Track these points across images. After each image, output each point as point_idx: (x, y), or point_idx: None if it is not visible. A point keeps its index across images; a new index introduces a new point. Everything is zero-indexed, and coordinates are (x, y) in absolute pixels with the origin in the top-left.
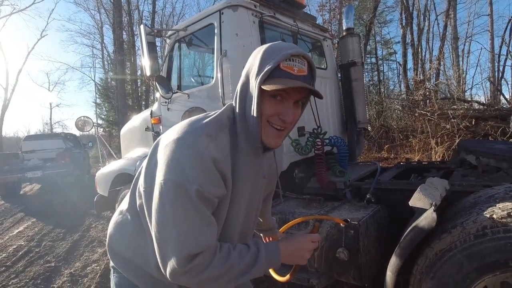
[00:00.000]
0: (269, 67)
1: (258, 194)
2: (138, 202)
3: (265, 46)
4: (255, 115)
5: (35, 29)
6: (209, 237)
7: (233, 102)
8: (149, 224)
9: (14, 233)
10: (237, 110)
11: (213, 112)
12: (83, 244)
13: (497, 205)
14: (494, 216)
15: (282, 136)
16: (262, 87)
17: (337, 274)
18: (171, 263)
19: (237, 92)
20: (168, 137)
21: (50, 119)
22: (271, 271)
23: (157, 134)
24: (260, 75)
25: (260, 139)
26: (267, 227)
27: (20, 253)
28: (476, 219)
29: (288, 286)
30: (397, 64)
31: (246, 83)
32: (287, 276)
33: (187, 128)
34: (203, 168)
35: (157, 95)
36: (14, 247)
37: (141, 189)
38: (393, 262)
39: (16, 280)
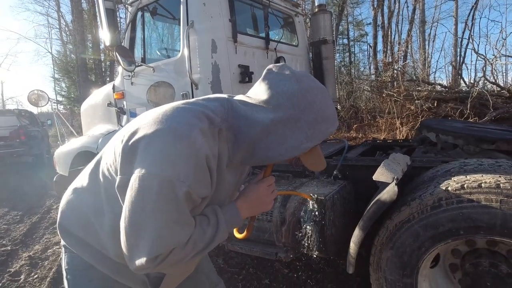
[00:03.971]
0: (315, 143)
1: (238, 185)
2: (103, 184)
3: (318, 99)
4: (277, 159)
5: None
6: (183, 237)
7: (241, 104)
8: (122, 215)
9: None
10: (254, 132)
11: (201, 100)
12: (43, 226)
13: (452, 178)
14: (449, 188)
15: None
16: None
17: (304, 248)
18: (139, 260)
19: (268, 122)
20: (155, 124)
21: (2, 94)
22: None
23: (120, 110)
24: (314, 142)
25: None
26: None
27: None
28: (433, 192)
29: (257, 260)
30: (368, 46)
31: (286, 125)
32: (245, 232)
33: (178, 118)
34: (196, 166)
35: (119, 68)
36: None
37: (112, 172)
38: (356, 234)
39: None
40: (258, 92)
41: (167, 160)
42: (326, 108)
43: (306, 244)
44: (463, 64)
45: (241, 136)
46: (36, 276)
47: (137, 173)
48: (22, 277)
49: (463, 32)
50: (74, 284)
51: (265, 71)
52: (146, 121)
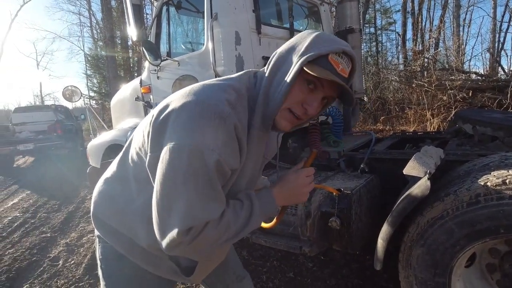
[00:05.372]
0: (318, 52)
1: (257, 172)
2: (132, 170)
3: (318, 32)
4: (282, 91)
5: None
6: (215, 212)
7: (264, 72)
8: (154, 190)
9: (9, 204)
10: (263, 82)
11: (227, 78)
12: (78, 215)
13: (492, 173)
14: (489, 183)
15: (295, 124)
16: (304, 67)
17: (329, 242)
18: (171, 234)
19: (270, 63)
20: (182, 98)
21: (40, 91)
22: None
23: (147, 104)
24: (306, 55)
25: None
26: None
27: (16, 224)
28: (470, 187)
29: (282, 253)
30: (396, 34)
31: (285, 57)
32: (274, 221)
33: (205, 92)
34: (225, 135)
35: (146, 63)
36: (9, 218)
37: (142, 155)
38: (385, 230)
39: (12, 250)
40: None
41: (196, 130)
42: (333, 37)
43: (331, 238)
44: (502, 51)
45: (259, 95)
46: (73, 262)
47: (167, 146)
48: (61, 262)
49: (503, 15)
50: (107, 273)
51: None
52: (174, 98)
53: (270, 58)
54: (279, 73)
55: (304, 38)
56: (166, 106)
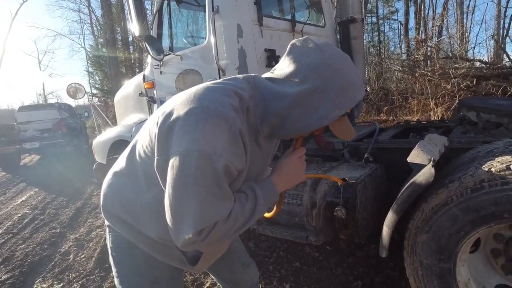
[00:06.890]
0: (344, 111)
1: (266, 167)
2: (140, 166)
3: (342, 67)
4: (301, 131)
5: None
6: (225, 211)
7: (271, 83)
8: (165, 192)
9: (18, 202)
10: (281, 104)
11: (229, 80)
12: (86, 211)
13: (496, 159)
14: (493, 169)
15: None
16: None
17: (335, 232)
18: (186, 235)
19: (296, 95)
20: (188, 104)
21: (43, 90)
22: None
23: (151, 99)
24: (335, 115)
25: None
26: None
27: (26, 220)
28: (474, 173)
29: (288, 243)
30: (399, 23)
31: (308, 98)
32: (274, 209)
33: (209, 97)
34: (231, 140)
35: (149, 58)
36: (19, 215)
37: (148, 153)
38: (390, 217)
39: (23, 245)
40: (283, 67)
41: (203, 136)
42: (351, 75)
43: (337, 227)
44: (507, 37)
45: (268, 110)
46: (83, 256)
47: (176, 152)
48: (71, 256)
49: (508, 1)
50: (118, 261)
51: (289, 46)
52: (179, 102)
53: (285, 74)
54: (298, 110)
55: (330, 80)
56: (172, 110)
